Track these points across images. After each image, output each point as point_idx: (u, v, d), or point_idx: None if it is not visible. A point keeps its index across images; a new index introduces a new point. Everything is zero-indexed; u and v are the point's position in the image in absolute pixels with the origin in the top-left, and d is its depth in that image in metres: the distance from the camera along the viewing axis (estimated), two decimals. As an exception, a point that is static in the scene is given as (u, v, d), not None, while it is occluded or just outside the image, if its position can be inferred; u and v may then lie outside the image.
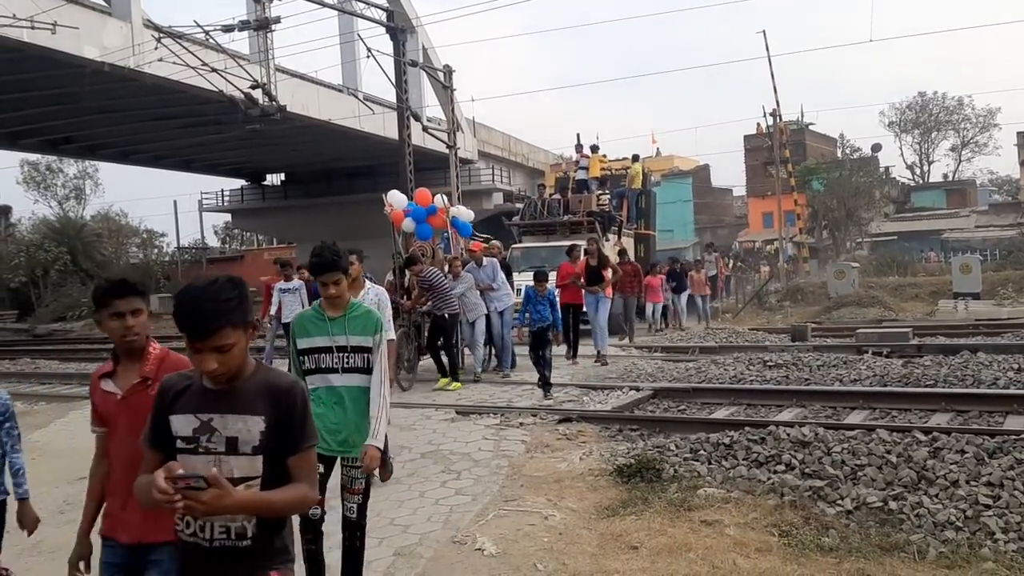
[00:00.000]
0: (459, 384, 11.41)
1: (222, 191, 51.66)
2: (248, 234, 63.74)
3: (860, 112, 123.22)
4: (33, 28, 19.00)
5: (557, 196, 22.44)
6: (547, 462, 7.14)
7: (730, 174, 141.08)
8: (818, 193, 45.16)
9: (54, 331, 34.95)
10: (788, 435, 6.91)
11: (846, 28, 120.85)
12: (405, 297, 11.94)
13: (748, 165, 56.44)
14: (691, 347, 15.43)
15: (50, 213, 52.08)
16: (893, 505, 5.51)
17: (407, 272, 12.05)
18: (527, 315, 10.94)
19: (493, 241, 14.99)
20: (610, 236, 20.61)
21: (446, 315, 11.43)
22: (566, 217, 20.93)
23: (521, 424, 8.61)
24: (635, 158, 24.48)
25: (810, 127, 54.31)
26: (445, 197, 13.58)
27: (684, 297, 20.54)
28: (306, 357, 4.27)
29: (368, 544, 5.37)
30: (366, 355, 4.24)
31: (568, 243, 17.86)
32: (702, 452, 6.95)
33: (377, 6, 23.72)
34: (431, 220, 13.31)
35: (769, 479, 6.15)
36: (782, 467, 6.43)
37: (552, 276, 15.62)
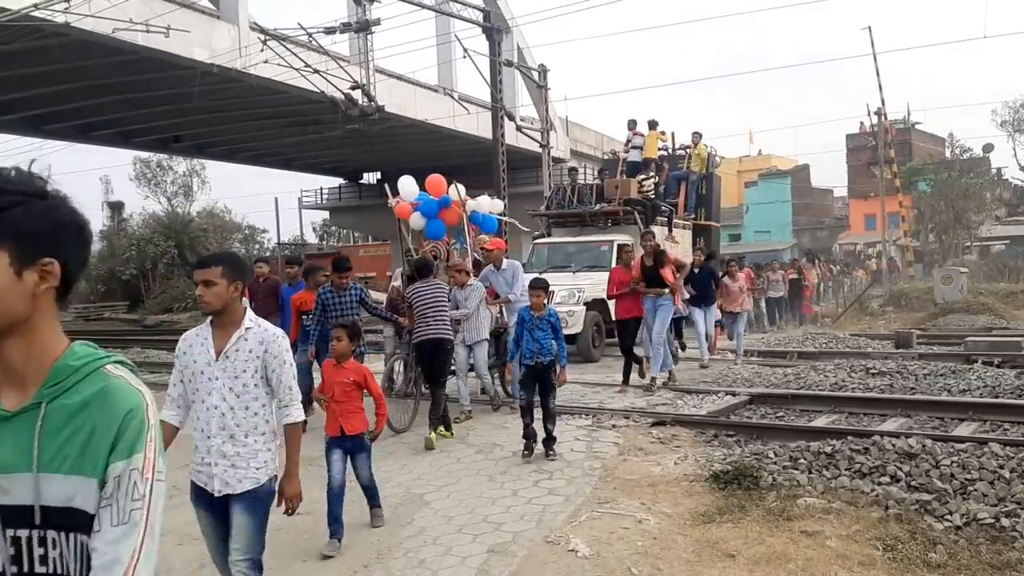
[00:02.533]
0: (450, 433, 8.50)
1: (321, 189, 53.08)
2: (345, 231, 65.17)
3: (971, 111, 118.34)
4: (148, 32, 19.84)
5: (596, 181, 19.15)
6: (641, 465, 7.07)
7: (831, 174, 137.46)
8: (924, 195, 43.48)
9: (162, 322, 36.38)
10: (893, 446, 6.66)
11: (958, 24, 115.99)
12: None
13: (850, 165, 54.79)
14: (789, 352, 15.06)
15: (159, 209, 54.30)
16: (1006, 522, 5.25)
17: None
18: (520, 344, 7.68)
19: (481, 236, 11.66)
20: (653, 229, 16.70)
21: (432, 340, 8.54)
22: (598, 206, 17.24)
23: (614, 426, 8.55)
24: (698, 136, 20.78)
25: (917, 126, 52.34)
26: (461, 187, 11.01)
27: (709, 315, 13.47)
28: None
29: (462, 540, 5.46)
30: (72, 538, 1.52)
31: (601, 238, 16.04)
32: (802, 460, 6.76)
33: (474, 7, 23.96)
34: (444, 215, 10.98)
35: (873, 491, 5.94)
36: (887, 479, 6.21)
37: (590, 284, 13.74)
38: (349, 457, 5.59)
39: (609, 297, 11.19)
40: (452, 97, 32.12)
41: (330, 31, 21.15)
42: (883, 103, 34.03)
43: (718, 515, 5.65)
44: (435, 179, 11.03)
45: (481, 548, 5.30)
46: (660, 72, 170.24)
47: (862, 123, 45.78)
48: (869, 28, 35.15)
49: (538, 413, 7.59)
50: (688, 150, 20.75)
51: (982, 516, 5.36)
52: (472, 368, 9.60)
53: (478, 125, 32.38)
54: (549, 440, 7.47)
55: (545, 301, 7.70)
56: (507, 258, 10.68)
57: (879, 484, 6.11)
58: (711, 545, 5.13)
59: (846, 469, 6.50)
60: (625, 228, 16.17)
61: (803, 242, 52.22)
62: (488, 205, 11.75)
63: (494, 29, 23.95)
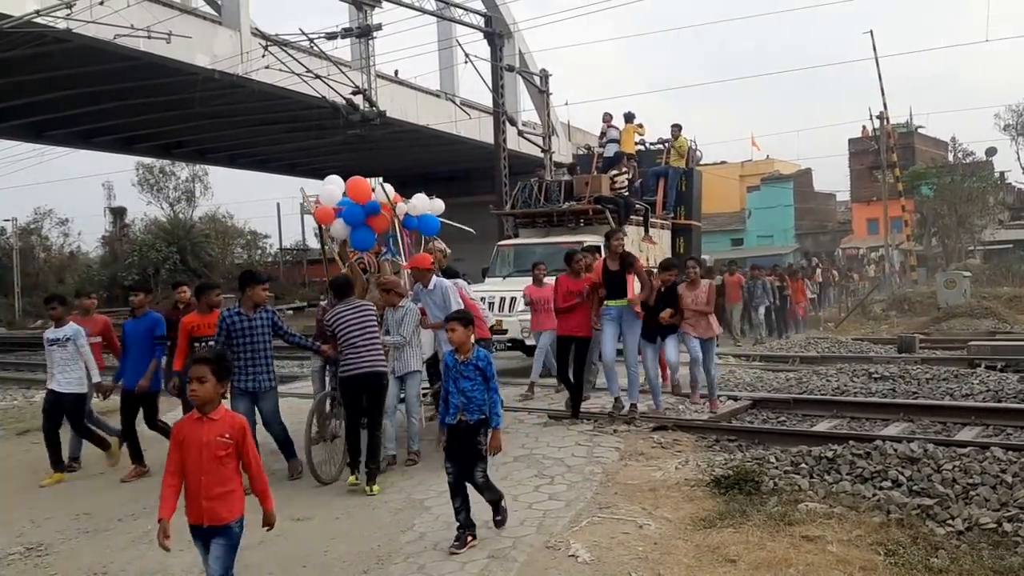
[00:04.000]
0: (379, 488, 6.87)
1: (324, 194, 53.01)
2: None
3: (973, 115, 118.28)
4: (149, 38, 19.88)
5: (566, 178, 17.13)
6: (642, 470, 7.05)
7: (833, 178, 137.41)
8: (927, 199, 43.46)
9: (164, 327, 36.35)
10: (895, 450, 6.65)
11: (959, 29, 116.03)
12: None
13: (853, 169, 54.74)
14: (791, 356, 15.04)
15: (162, 214, 54.39)
16: (1008, 527, 5.25)
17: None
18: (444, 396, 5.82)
19: (433, 244, 10.08)
20: (628, 228, 15.16)
21: (364, 375, 7.10)
22: (566, 205, 15.61)
23: (615, 431, 8.52)
24: (677, 129, 18.91)
25: (919, 130, 52.32)
26: (389, 188, 9.39)
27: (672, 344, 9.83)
28: None
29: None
30: None
31: (571, 239, 14.07)
32: (803, 465, 6.75)
33: (475, 12, 24.01)
34: (373, 222, 9.24)
35: (874, 495, 5.93)
36: (888, 483, 6.20)
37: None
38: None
39: (557, 312, 9.38)
40: (454, 102, 32.20)
41: (331, 36, 21.24)
42: (885, 107, 34.13)
43: (719, 520, 5.63)
44: (357, 182, 9.35)
45: (482, 554, 5.28)
46: (662, 76, 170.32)
47: (864, 127, 45.84)
48: (871, 32, 35.24)
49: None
50: (667, 144, 19.25)
51: (984, 521, 5.34)
52: (403, 400, 7.94)
53: (480, 130, 32.41)
54: (495, 509, 5.71)
55: (471, 338, 5.71)
56: (450, 272, 9.42)
57: (881, 489, 6.09)
58: (712, 550, 5.11)
59: (847, 474, 6.49)
60: (597, 228, 14.85)
61: (806, 246, 52.13)
62: (425, 206, 9.94)
63: (496, 34, 23.99)
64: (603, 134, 19.06)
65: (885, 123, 35.45)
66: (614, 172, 16.22)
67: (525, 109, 33.59)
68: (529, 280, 11.84)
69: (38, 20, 18.20)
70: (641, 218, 16.29)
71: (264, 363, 7.24)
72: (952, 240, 43.05)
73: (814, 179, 58.95)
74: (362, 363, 7.06)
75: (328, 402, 7.98)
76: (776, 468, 6.76)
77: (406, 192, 9.95)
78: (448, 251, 10.35)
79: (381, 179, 9.63)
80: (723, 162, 58.18)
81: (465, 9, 24.54)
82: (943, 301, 24.15)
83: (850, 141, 54.13)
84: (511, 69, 26.14)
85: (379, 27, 21.51)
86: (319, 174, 52.46)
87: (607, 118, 19.07)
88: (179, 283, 10.54)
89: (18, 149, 35.15)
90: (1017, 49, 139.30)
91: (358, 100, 21.24)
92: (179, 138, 35.90)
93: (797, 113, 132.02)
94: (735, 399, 10.24)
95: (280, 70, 21.21)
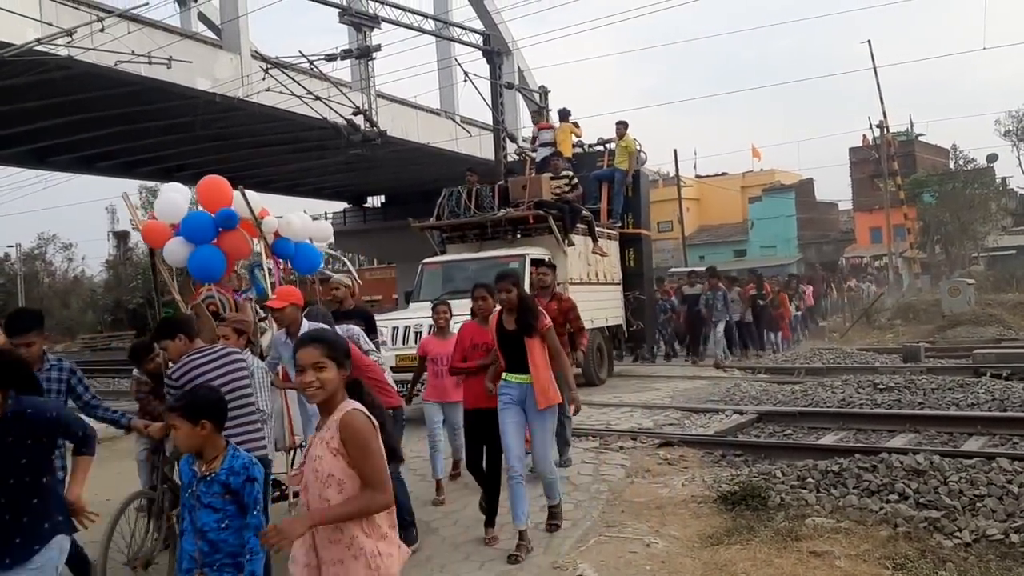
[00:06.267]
0: None
1: (325, 214, 53.15)
2: (350, 255, 65.44)
3: (974, 122, 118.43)
4: (150, 63, 20.01)
5: (499, 182, 14.57)
6: (648, 487, 7.04)
7: (835, 188, 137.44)
8: (929, 206, 43.47)
9: (170, 350, 36.40)
10: (901, 463, 6.63)
11: (958, 36, 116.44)
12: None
13: (854, 178, 54.77)
14: (796, 368, 15.02)
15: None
16: (1015, 538, 5.24)
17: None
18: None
19: (337, 277, 8.30)
20: (574, 239, 13.36)
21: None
22: (502, 212, 13.27)
23: (621, 448, 8.51)
24: (623, 127, 16.07)
25: (920, 138, 52.39)
26: (254, 195, 7.04)
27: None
28: None
29: (468, 568, 5.42)
30: None
31: (509, 252, 12.49)
32: (810, 480, 6.73)
33: (474, 31, 24.15)
34: (227, 241, 6.77)
35: (881, 509, 5.91)
36: (895, 496, 6.18)
37: None
38: None
39: (452, 371, 6.56)
40: (454, 120, 32.31)
41: (331, 58, 21.38)
42: (885, 116, 34.18)
43: (726, 537, 5.62)
44: (212, 183, 6.94)
45: (489, 575, 5.27)
46: (661, 89, 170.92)
47: (865, 136, 45.91)
48: (869, 42, 35.27)
49: None
50: (609, 145, 16.71)
51: (991, 532, 5.33)
52: None
53: (480, 147, 32.50)
54: None
55: (201, 431, 3.51)
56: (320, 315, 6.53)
57: (888, 502, 6.07)
58: (720, 568, 5.10)
59: (854, 487, 6.46)
60: (538, 239, 13.16)
61: (809, 256, 52.12)
62: (307, 229, 7.55)
63: (494, 52, 24.13)
64: (534, 138, 17.48)
65: (885, 132, 35.52)
66: (553, 176, 13.81)
67: (525, 126, 33.71)
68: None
69: (39, 48, 18.32)
70: (587, 227, 14.09)
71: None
72: (955, 247, 43.03)
73: (816, 189, 59.04)
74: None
75: (145, 506, 5.46)
76: (783, 483, 6.73)
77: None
78: (355, 284, 8.37)
79: (241, 186, 6.99)
80: (724, 173, 58.32)
81: (464, 28, 24.72)
82: (947, 309, 24.14)
83: (851, 150, 54.19)
84: (510, 86, 26.29)
85: (378, 48, 21.64)
86: (321, 194, 52.74)
87: (536, 119, 17.37)
88: None
89: (22, 175, 35.36)
90: (1015, 54, 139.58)
91: (359, 120, 21.33)
92: (180, 161, 36.03)
93: (798, 123, 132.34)
94: (740, 413, 10.23)
95: (280, 92, 21.31)
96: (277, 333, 6.42)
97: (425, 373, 7.42)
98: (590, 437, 9.08)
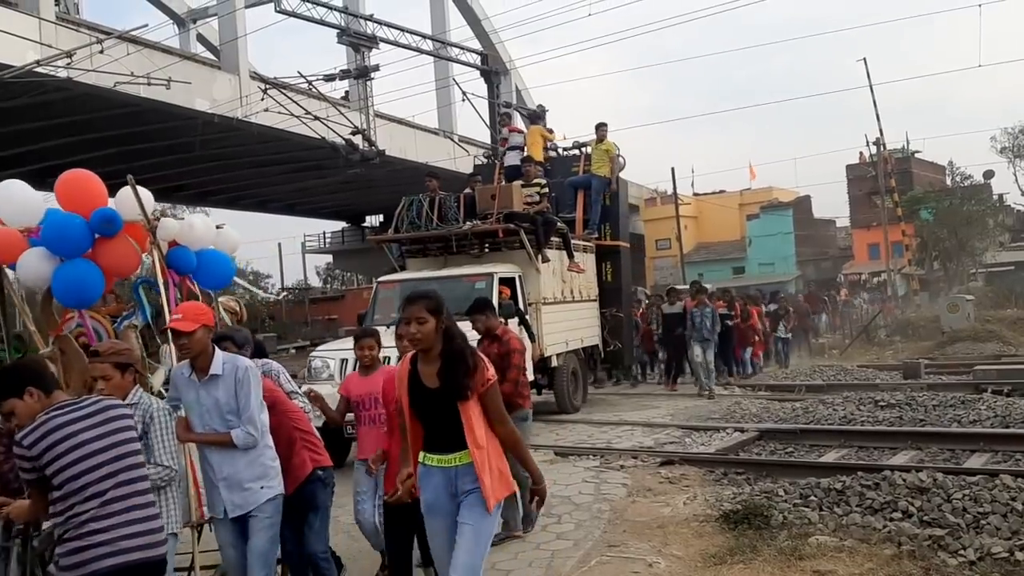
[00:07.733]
0: None
1: (324, 233, 53.40)
2: (348, 274, 65.40)
3: (970, 139, 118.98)
4: (149, 84, 20.08)
5: (465, 191, 12.88)
6: (650, 507, 6.99)
7: (832, 205, 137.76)
8: (927, 223, 43.53)
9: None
10: (904, 480, 6.60)
11: (953, 54, 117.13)
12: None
13: (851, 195, 54.86)
14: (797, 386, 14.97)
15: (163, 257, 54.38)
16: (1020, 556, 5.20)
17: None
18: None
19: (223, 299, 7.14)
20: (548, 253, 12.28)
21: (133, 566, 3.14)
22: (468, 225, 12.06)
23: (622, 466, 8.47)
24: (603, 129, 14.74)
25: (916, 155, 52.53)
26: (146, 193, 5.84)
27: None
28: None
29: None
30: None
31: (476, 271, 11.47)
32: (812, 498, 6.69)
33: (472, 50, 24.28)
34: (104, 251, 5.36)
35: (885, 527, 5.88)
36: (898, 514, 6.14)
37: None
38: None
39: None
40: (452, 139, 32.46)
41: (330, 78, 21.51)
42: (881, 133, 34.28)
43: (729, 556, 5.57)
44: (78, 177, 5.67)
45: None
46: (659, 107, 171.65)
47: (861, 153, 46.04)
48: (864, 60, 35.44)
49: None
50: (586, 149, 15.37)
51: (996, 550, 5.29)
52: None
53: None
54: None
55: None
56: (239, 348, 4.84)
57: (891, 520, 6.04)
58: (723, 588, 5.06)
59: (857, 505, 6.43)
60: (508, 254, 12.04)
61: (807, 273, 52.14)
62: (208, 235, 6.21)
63: (492, 71, 24.25)
64: (504, 140, 16.00)
65: (882, 149, 35.62)
66: (524, 184, 12.73)
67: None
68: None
69: (39, 70, 18.38)
70: (562, 239, 12.92)
71: None
72: (954, 264, 43.08)
73: (813, 206, 59.15)
74: (122, 542, 3.14)
75: None
76: (785, 501, 6.69)
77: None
78: (241, 311, 7.16)
79: (131, 176, 5.87)
80: (722, 191, 58.41)
81: (462, 48, 24.85)
82: (947, 325, 24.10)
83: (848, 167, 54.34)
84: (508, 105, 26.37)
85: (376, 68, 21.77)
86: (320, 213, 52.88)
87: (505, 120, 16.32)
88: None
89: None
90: (1011, 72, 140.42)
91: (357, 140, 21.41)
92: (180, 182, 36.12)
93: (795, 140, 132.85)
94: (741, 431, 10.20)
95: (279, 112, 21.39)
96: (177, 367, 4.57)
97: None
98: (591, 456, 9.05)
